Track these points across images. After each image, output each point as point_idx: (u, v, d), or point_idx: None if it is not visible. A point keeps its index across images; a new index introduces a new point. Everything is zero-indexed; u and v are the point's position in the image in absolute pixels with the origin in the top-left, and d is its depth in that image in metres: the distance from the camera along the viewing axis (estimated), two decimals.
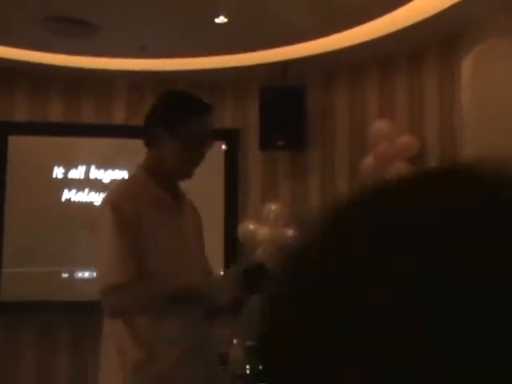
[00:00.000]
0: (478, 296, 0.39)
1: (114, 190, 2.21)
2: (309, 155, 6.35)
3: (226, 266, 6.06)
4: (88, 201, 6.33)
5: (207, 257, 2.37)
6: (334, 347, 0.42)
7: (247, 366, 3.75)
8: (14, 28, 5.40)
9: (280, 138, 6.13)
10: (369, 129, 5.84)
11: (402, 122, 5.77)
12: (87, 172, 6.36)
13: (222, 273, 2.13)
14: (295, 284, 0.47)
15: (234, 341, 3.67)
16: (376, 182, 0.50)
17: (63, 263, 6.20)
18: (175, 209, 2.28)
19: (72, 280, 6.19)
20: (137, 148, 6.42)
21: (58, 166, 6.31)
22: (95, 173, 6.37)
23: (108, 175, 6.39)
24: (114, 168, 6.39)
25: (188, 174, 2.28)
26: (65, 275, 6.19)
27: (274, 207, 6.30)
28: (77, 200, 6.31)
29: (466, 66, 5.16)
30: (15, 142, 6.26)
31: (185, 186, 6.41)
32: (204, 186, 6.55)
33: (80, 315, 6.21)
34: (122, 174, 6.40)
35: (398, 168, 5.56)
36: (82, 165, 6.36)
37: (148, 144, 2.21)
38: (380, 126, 5.70)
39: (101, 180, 6.37)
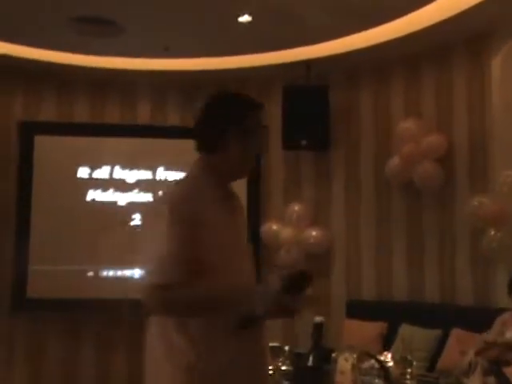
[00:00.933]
0: None
1: (174, 190, 2.19)
2: (332, 155, 6.30)
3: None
4: (112, 200, 6.36)
5: None
6: None
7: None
8: (40, 29, 5.44)
9: (303, 138, 6.09)
10: (394, 128, 5.76)
11: (429, 122, 5.66)
12: (112, 172, 6.40)
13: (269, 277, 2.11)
14: None
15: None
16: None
17: (88, 262, 6.25)
18: (232, 208, 2.30)
19: (97, 278, 6.25)
20: (161, 148, 6.50)
21: (83, 166, 6.36)
22: (119, 173, 6.41)
23: (132, 175, 6.42)
24: (138, 168, 6.42)
25: (247, 173, 2.29)
26: (90, 273, 6.24)
27: (297, 208, 6.26)
28: (101, 200, 6.35)
29: (496, 65, 5.08)
30: (41, 142, 6.32)
31: None
32: None
33: (105, 313, 6.27)
34: (146, 174, 6.43)
35: (426, 169, 5.47)
36: (107, 165, 6.40)
37: (208, 145, 2.17)
38: (406, 125, 5.61)
39: (125, 180, 6.40)
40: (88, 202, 6.34)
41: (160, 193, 2.39)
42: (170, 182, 6.44)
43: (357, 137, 6.22)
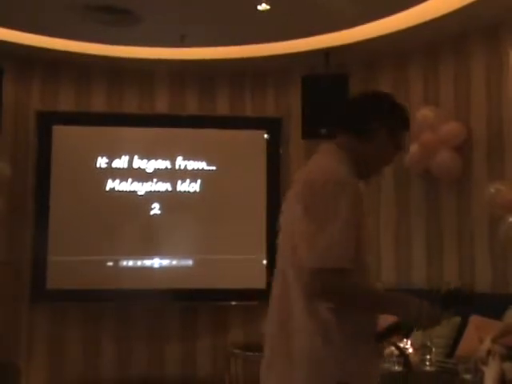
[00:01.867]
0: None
1: (334, 170, 2.13)
2: None
3: (269, 256, 6.04)
4: (131, 190, 6.38)
5: None
6: None
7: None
8: (58, 19, 5.46)
9: (323, 126, 6.07)
10: (413, 116, 5.72)
11: (448, 110, 5.63)
12: (130, 162, 6.42)
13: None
14: None
15: None
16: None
17: (108, 252, 6.28)
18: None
19: (117, 268, 6.27)
20: (179, 137, 6.50)
21: (102, 156, 6.38)
22: (138, 162, 6.43)
23: (151, 165, 6.43)
24: (156, 157, 6.43)
25: (380, 172, 2.28)
26: (110, 264, 6.27)
27: None
28: (120, 189, 6.37)
29: None
30: (59, 132, 6.35)
31: (227, 175, 6.45)
32: (246, 174, 6.55)
33: (124, 303, 6.31)
34: (164, 164, 6.44)
35: (444, 157, 5.44)
36: (126, 154, 6.41)
37: (358, 130, 2.14)
38: (425, 113, 5.57)
39: (144, 169, 6.42)
40: (107, 192, 6.35)
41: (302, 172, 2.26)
42: (189, 171, 6.44)
43: None
